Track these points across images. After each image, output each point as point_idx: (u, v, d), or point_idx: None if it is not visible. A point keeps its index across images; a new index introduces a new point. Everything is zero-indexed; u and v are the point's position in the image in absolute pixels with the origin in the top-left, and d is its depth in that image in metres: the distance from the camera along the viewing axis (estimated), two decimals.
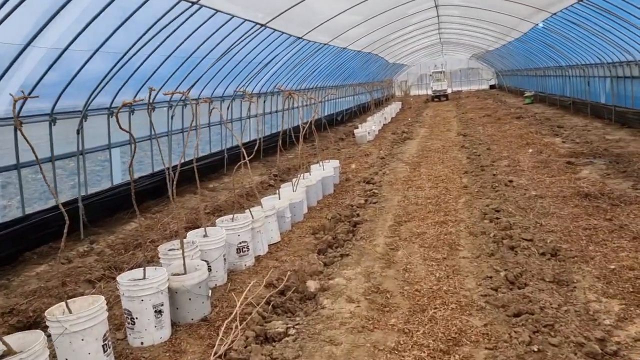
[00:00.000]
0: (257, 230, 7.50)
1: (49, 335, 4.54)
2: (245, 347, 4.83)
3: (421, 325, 5.11)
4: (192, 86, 12.50)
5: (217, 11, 10.05)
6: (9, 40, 6.74)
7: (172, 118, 12.22)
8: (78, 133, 9.06)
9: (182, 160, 13.03)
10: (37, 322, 5.86)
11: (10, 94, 4.05)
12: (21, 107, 7.85)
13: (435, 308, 5.46)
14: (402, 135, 21.05)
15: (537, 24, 19.24)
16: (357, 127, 22.00)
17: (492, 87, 52.48)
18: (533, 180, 11.16)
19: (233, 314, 5.45)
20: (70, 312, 4.41)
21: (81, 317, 4.32)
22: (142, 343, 5.06)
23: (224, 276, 6.64)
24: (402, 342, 4.83)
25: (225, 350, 4.79)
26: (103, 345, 4.52)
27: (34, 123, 8.42)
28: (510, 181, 11.10)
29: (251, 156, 8.01)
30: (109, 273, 7.42)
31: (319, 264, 6.99)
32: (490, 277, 6.12)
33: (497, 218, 8.40)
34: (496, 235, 7.56)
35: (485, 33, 27.84)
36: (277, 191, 9.46)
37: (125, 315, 5.10)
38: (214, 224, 7.74)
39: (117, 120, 4.87)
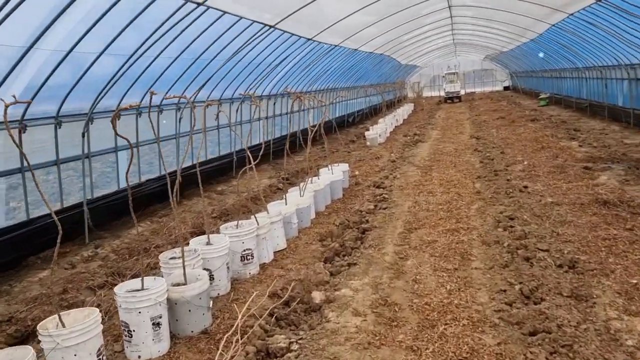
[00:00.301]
0: (262, 237, 7.30)
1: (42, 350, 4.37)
2: None
3: (430, 342, 4.87)
4: (201, 88, 12.33)
5: (225, 12, 9.87)
6: (12, 42, 6.61)
7: (179, 121, 12.07)
8: (83, 136, 8.94)
9: (190, 164, 12.94)
10: (34, 332, 5.69)
11: (1, 99, 3.88)
12: (25, 110, 7.73)
13: (446, 324, 5.21)
14: (413, 137, 20.75)
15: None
16: (368, 129, 21.74)
17: (506, 88, 51.86)
18: (549, 186, 10.83)
19: (234, 326, 5.24)
20: (63, 325, 4.24)
21: (74, 332, 4.14)
22: (139, 357, 4.88)
23: (227, 285, 6.44)
24: None
25: None
26: None
27: (39, 126, 8.30)
28: (525, 187, 10.78)
29: (257, 160, 7.81)
30: (112, 280, 7.26)
31: (325, 273, 6.76)
32: (504, 291, 5.85)
33: (512, 226, 8.11)
34: (510, 245, 7.27)
35: (499, 34, 27.42)
36: (284, 196, 9.25)
37: (123, 328, 4.92)
38: (219, 229, 7.56)
39: (114, 126, 4.69)
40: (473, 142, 18.25)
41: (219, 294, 6.35)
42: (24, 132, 7.77)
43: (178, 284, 5.53)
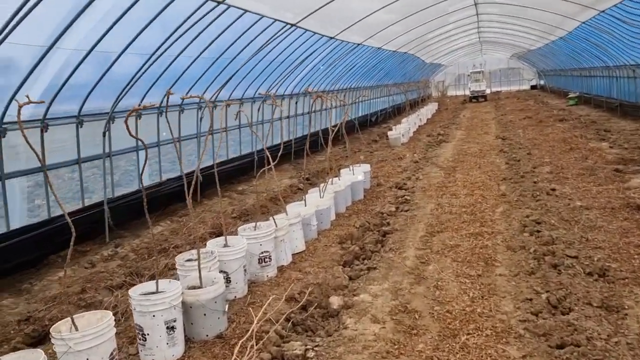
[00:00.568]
0: (280, 239, 7.19)
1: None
2: None
3: (452, 353, 4.68)
4: (222, 87, 12.31)
5: (246, 11, 9.79)
6: (33, 42, 6.63)
7: (201, 120, 12.06)
8: (104, 135, 8.96)
9: (211, 163, 12.92)
10: None
11: (16, 100, 3.83)
12: (47, 110, 7.77)
13: (468, 333, 5.01)
14: (437, 137, 20.42)
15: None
16: (391, 129, 21.48)
17: (533, 87, 50.84)
18: (578, 189, 10.47)
19: (249, 331, 5.13)
20: (76, 328, 4.19)
21: (86, 335, 4.09)
22: None
23: (244, 288, 6.35)
24: None
25: None
26: None
27: (60, 125, 8.34)
28: (553, 189, 10.45)
29: (276, 161, 7.71)
30: (130, 280, 7.24)
31: (344, 277, 6.62)
32: (530, 300, 5.61)
33: (538, 231, 7.83)
34: (537, 251, 7.01)
35: (527, 32, 26.82)
36: (304, 197, 9.12)
37: (137, 331, 4.86)
38: (237, 230, 7.48)
39: (127, 127, 4.62)
40: (498, 142, 17.86)
41: (235, 297, 6.26)
42: (46, 132, 7.82)
43: (194, 287, 5.45)
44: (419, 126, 25.82)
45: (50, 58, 7.04)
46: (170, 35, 8.86)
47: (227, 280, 6.16)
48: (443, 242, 7.87)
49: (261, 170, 7.96)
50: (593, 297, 5.59)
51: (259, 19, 10.68)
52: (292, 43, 13.60)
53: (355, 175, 11.28)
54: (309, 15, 11.96)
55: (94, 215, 9.10)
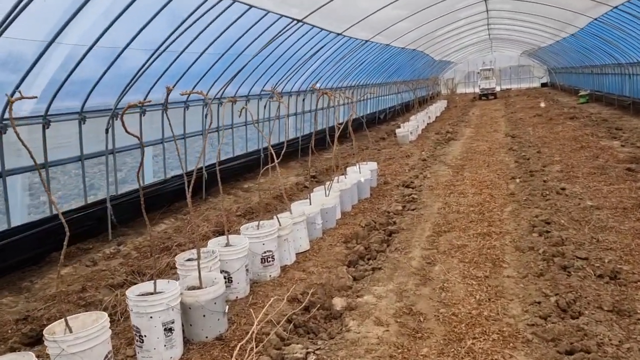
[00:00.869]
0: (284, 238, 7.06)
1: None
2: None
3: (457, 358, 4.53)
4: (227, 84, 12.20)
5: (251, 6, 9.66)
6: (33, 37, 6.54)
7: (206, 117, 11.96)
8: (107, 132, 8.87)
9: (217, 160, 12.83)
10: None
11: (6, 95, 3.73)
12: (49, 106, 7.70)
13: (474, 338, 4.86)
14: (446, 135, 20.21)
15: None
16: (399, 127, 21.29)
17: (543, 85, 50.32)
18: (588, 188, 10.25)
19: (250, 333, 5.02)
20: (70, 330, 4.09)
21: (80, 338, 3.98)
22: None
23: (245, 288, 6.23)
24: None
25: None
26: None
27: (63, 121, 8.27)
28: (563, 189, 10.24)
29: (279, 159, 7.57)
30: (131, 278, 7.16)
31: (348, 278, 6.48)
32: (539, 303, 5.44)
33: (548, 231, 7.65)
34: (546, 252, 6.83)
35: (538, 28, 26.47)
36: (309, 195, 8.99)
37: (134, 332, 4.76)
38: (240, 229, 7.37)
39: (123, 124, 4.50)
40: (508, 140, 17.62)
41: (237, 297, 6.15)
42: (48, 128, 7.74)
43: (194, 287, 5.34)
44: (428, 124, 25.60)
45: (51, 53, 6.95)
46: (175, 30, 8.76)
47: (229, 280, 6.05)
48: (450, 242, 7.71)
49: (264, 168, 7.84)
50: (604, 300, 5.41)
51: (265, 15, 10.54)
52: (299, 39, 13.46)
53: (362, 173, 11.13)
54: (316, 10, 11.80)
55: (97, 213, 9.02)
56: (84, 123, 8.46)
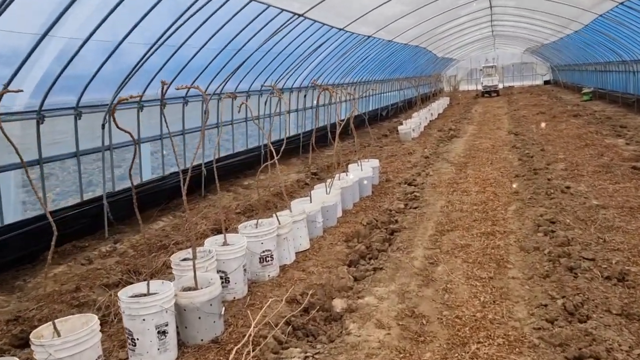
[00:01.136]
0: (283, 237, 6.90)
1: None
2: None
3: None
4: (228, 79, 12.02)
5: (251, 0, 9.47)
6: (24, 30, 6.36)
7: (205, 112, 11.74)
8: (103, 128, 8.70)
9: (217, 157, 12.65)
10: None
11: None
12: (43, 100, 7.53)
13: (479, 342, 4.69)
14: (448, 132, 20.01)
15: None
16: (401, 124, 21.09)
17: (546, 82, 50.03)
18: (594, 187, 10.07)
19: (246, 336, 4.85)
20: (58, 334, 3.92)
21: (68, 342, 3.83)
22: None
23: (243, 288, 6.07)
24: None
25: None
26: None
27: (58, 117, 8.10)
28: (568, 187, 10.06)
29: (279, 155, 7.39)
30: (127, 277, 7.00)
31: (349, 278, 6.32)
32: (545, 306, 5.27)
33: (553, 231, 7.47)
34: (552, 253, 6.65)
35: (541, 25, 26.20)
36: (309, 193, 8.81)
37: (127, 335, 4.60)
38: (238, 228, 7.20)
39: (114, 119, 4.33)
40: (511, 138, 17.42)
41: (234, 297, 5.98)
42: (42, 123, 7.57)
43: (189, 288, 5.18)
44: (430, 121, 25.41)
45: (45, 46, 6.77)
46: (173, 23, 8.57)
47: (226, 281, 5.89)
48: (453, 242, 7.54)
49: (263, 165, 7.66)
50: (612, 303, 5.25)
51: (265, 9, 10.35)
52: (300, 34, 13.27)
53: (363, 170, 10.96)
54: (317, 5, 11.60)
55: (93, 210, 8.86)
56: (79, 118, 8.28)
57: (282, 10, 10.94)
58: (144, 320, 4.45)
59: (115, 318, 5.68)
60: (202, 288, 5.06)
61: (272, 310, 5.49)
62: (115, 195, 9.29)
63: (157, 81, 9.60)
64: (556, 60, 42.29)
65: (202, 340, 4.95)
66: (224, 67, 11.56)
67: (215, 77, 11.62)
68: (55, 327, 3.93)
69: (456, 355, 4.52)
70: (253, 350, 4.60)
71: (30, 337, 3.95)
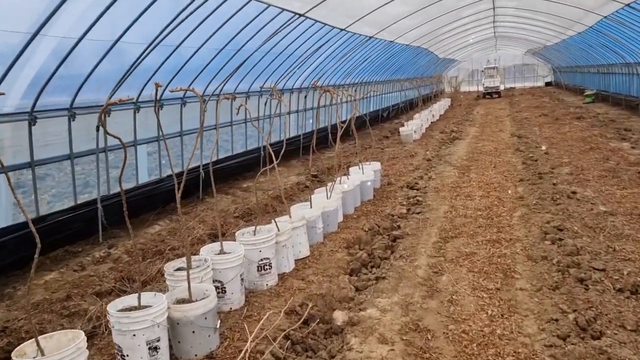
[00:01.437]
0: (282, 244, 6.66)
1: None
2: None
3: None
4: (227, 80, 11.78)
5: None
6: (15, 28, 6.12)
7: (204, 114, 11.49)
8: (98, 130, 8.46)
9: (215, 159, 12.41)
10: None
11: None
12: (35, 102, 7.29)
13: None
14: (450, 134, 19.77)
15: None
16: (402, 125, 20.85)
17: (547, 84, 49.84)
18: (600, 192, 9.83)
19: (243, 352, 4.62)
20: (42, 352, 3.69)
21: None
22: None
23: (240, 299, 5.83)
24: None
25: None
26: None
27: (51, 118, 7.86)
28: (574, 192, 9.82)
29: (278, 159, 7.15)
30: (120, 285, 6.77)
31: (350, 288, 6.09)
32: (556, 320, 5.03)
33: (560, 239, 7.23)
34: (560, 262, 6.41)
35: (544, 27, 25.97)
36: (310, 197, 8.57)
37: (116, 351, 4.37)
38: (235, 234, 6.97)
39: (104, 124, 4.09)
40: (514, 140, 17.19)
41: (231, 308, 5.75)
42: (34, 125, 7.34)
43: (183, 300, 4.94)
44: (432, 122, 25.17)
45: (37, 46, 6.54)
46: (171, 22, 8.33)
47: (222, 291, 5.65)
48: (458, 250, 7.31)
49: (262, 170, 7.43)
50: (626, 318, 5.01)
51: (266, 8, 10.12)
52: (301, 34, 13.03)
53: (365, 173, 10.72)
54: (318, 4, 11.36)
55: (88, 214, 8.62)
56: (73, 120, 8.05)
57: (283, 9, 10.71)
58: (134, 335, 4.22)
59: (106, 330, 5.43)
60: (196, 300, 4.82)
61: (270, 323, 5.26)
62: (110, 199, 9.05)
63: (155, 81, 9.41)
64: (558, 62, 42.07)
65: (196, 355, 4.72)
66: (223, 67, 11.32)
67: (214, 77, 11.38)
68: (38, 345, 3.70)
69: None
70: None
71: (12, 355, 3.72)
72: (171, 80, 9.92)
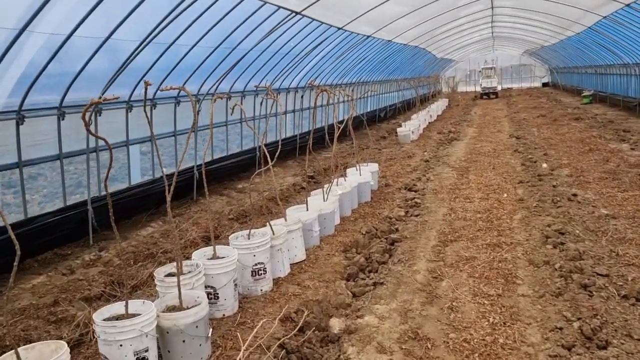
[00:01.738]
0: (277, 248, 6.46)
1: None
2: None
3: None
4: (222, 79, 11.58)
5: None
6: (0, 25, 5.90)
7: (198, 113, 11.30)
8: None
9: (209, 159, 12.21)
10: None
11: None
12: (23, 100, 7.08)
13: None
14: (448, 135, 19.62)
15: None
16: (400, 125, 20.69)
17: (544, 85, 49.78)
18: (601, 194, 9.68)
19: None
20: None
21: None
22: None
23: (234, 305, 5.63)
24: None
25: None
26: None
27: (40, 117, 7.64)
28: (575, 195, 9.66)
29: (273, 161, 6.96)
30: (110, 290, 6.57)
31: (347, 294, 5.90)
32: (560, 329, 4.86)
33: (562, 243, 7.06)
34: (563, 267, 6.24)
35: (542, 27, 25.84)
36: (306, 199, 8.37)
37: None
38: (235, 231, 6.77)
39: (86, 124, 3.89)
40: (512, 141, 17.04)
41: (224, 315, 5.55)
42: (22, 124, 7.12)
43: (174, 308, 4.75)
44: (429, 123, 25.02)
45: (24, 43, 6.33)
46: (165, 17, 8.12)
47: (215, 297, 5.46)
48: (457, 254, 7.13)
49: (257, 172, 7.23)
50: (633, 327, 4.84)
51: (262, 5, 9.91)
52: (298, 33, 12.83)
53: (362, 175, 10.53)
54: (315, 2, 11.16)
55: (78, 215, 8.41)
56: (63, 119, 7.83)
57: (279, 7, 10.51)
58: (121, 345, 4.02)
59: (94, 337, 5.22)
60: (187, 308, 4.62)
61: (264, 331, 5.06)
62: (101, 200, 8.82)
63: (148, 79, 9.19)
64: (555, 63, 41.99)
65: None
66: (218, 66, 11.12)
67: (209, 76, 11.18)
68: (18, 357, 3.49)
69: None
70: None
71: None
72: (165, 79, 9.72)
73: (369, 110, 25.44)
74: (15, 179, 8.73)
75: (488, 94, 39.72)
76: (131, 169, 9.66)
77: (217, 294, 5.45)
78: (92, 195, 8.50)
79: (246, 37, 10.90)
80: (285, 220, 7.13)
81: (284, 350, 4.80)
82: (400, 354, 4.66)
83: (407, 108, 32.60)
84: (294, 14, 11.25)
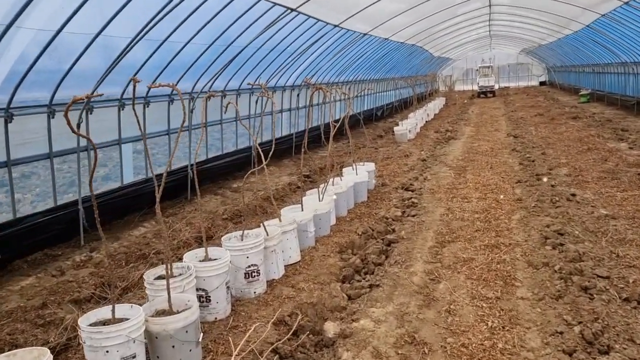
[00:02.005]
0: (271, 249, 6.32)
1: None
2: None
3: None
4: (216, 76, 11.42)
5: None
6: None
7: (192, 112, 11.17)
8: (79, 127, 8.07)
9: (204, 158, 12.05)
10: None
11: None
12: (11, 98, 6.91)
13: None
14: (445, 134, 19.50)
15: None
16: (397, 124, 20.56)
17: (542, 83, 49.77)
18: (600, 194, 9.57)
19: None
20: None
21: None
22: None
23: (226, 308, 5.49)
24: None
25: None
26: None
27: (29, 115, 7.47)
28: (573, 195, 9.55)
29: (267, 160, 6.81)
30: (100, 292, 6.41)
31: (342, 297, 5.77)
32: (561, 333, 4.74)
33: (562, 244, 6.94)
34: (562, 269, 6.12)
35: (539, 25, 25.75)
36: (301, 199, 8.23)
37: None
38: (230, 232, 6.64)
39: (68, 122, 3.73)
40: (510, 140, 16.93)
41: (216, 318, 5.41)
42: (10, 122, 6.96)
43: (163, 312, 4.60)
44: (426, 121, 24.90)
45: (12, 38, 6.16)
46: (158, 12, 7.95)
47: (207, 300, 5.32)
48: (455, 255, 7.00)
49: (250, 171, 7.08)
50: (635, 331, 4.73)
51: (257, 2, 9.76)
52: (294, 30, 12.68)
53: (358, 174, 10.40)
54: None
55: (68, 215, 8.25)
56: (53, 117, 7.66)
57: (275, 4, 10.35)
58: (107, 352, 3.88)
59: (81, 341, 5.08)
60: (177, 312, 4.48)
61: (257, 335, 4.92)
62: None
63: (141, 77, 9.02)
64: (553, 61, 41.93)
65: None
66: (212, 63, 10.96)
67: (203, 73, 11.02)
68: None
69: None
70: None
71: None
72: (158, 76, 9.55)
73: (365, 108, 25.31)
74: (8, 178, 8.59)
75: (485, 93, 39.66)
76: (124, 167, 9.50)
77: (209, 297, 5.31)
78: (84, 195, 8.33)
79: (241, 34, 10.75)
80: (280, 220, 6.99)
81: (277, 355, 4.67)
82: (397, 359, 4.53)
83: (404, 107, 32.52)
84: (289, 10, 11.10)
